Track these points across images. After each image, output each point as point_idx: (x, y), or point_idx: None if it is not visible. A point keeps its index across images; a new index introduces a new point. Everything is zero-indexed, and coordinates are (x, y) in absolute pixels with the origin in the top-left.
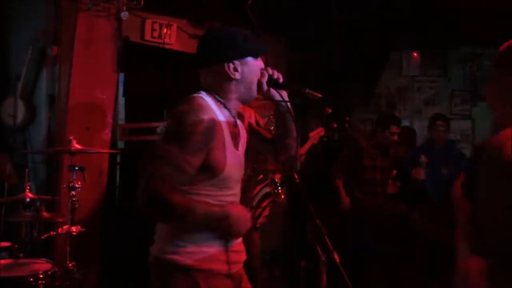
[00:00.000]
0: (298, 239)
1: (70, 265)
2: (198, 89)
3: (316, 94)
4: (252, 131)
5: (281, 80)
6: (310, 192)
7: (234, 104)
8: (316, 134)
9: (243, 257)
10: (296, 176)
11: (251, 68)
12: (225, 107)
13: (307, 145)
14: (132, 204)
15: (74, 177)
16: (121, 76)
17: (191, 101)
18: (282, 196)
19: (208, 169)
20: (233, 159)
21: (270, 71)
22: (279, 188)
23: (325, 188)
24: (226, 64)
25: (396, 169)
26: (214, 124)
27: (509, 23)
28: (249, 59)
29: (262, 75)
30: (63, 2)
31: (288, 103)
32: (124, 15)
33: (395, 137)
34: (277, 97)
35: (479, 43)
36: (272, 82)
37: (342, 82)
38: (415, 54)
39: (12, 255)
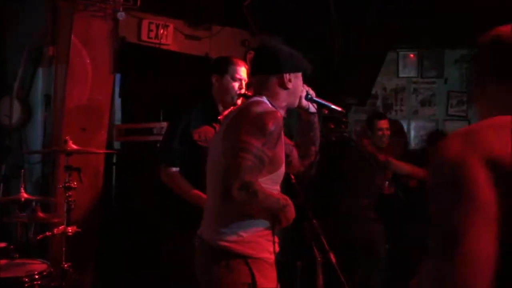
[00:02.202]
0: (295, 240)
1: (65, 265)
2: (195, 90)
3: (338, 108)
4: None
5: (314, 96)
6: (306, 193)
7: (282, 110)
8: None
9: (277, 248)
10: (293, 177)
11: (299, 82)
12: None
13: None
14: (128, 205)
15: (70, 177)
16: (118, 76)
17: (262, 103)
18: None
19: (273, 163)
20: (284, 158)
21: (307, 88)
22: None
23: (321, 189)
24: (285, 75)
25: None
26: (282, 123)
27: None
28: (299, 74)
29: (302, 91)
30: (59, 2)
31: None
32: (121, 15)
33: (387, 132)
34: (312, 110)
35: (476, 44)
36: (308, 97)
37: (339, 83)
38: (411, 55)
39: (7, 256)
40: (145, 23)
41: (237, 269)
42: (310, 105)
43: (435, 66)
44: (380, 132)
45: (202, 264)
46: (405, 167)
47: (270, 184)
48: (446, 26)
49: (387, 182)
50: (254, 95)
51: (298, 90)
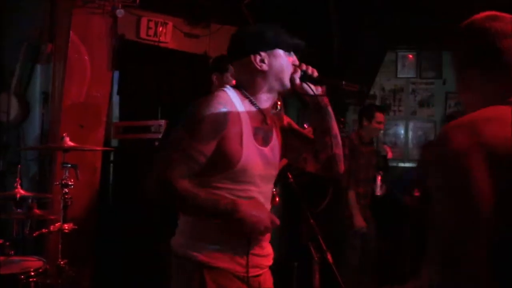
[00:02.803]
0: (292, 240)
1: (62, 262)
2: (193, 87)
3: (353, 85)
4: (291, 130)
5: (315, 75)
6: (303, 193)
7: (265, 97)
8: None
9: (266, 262)
10: (290, 176)
11: (281, 60)
12: (252, 102)
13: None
14: (125, 202)
15: (67, 174)
16: (116, 74)
17: (210, 95)
18: (277, 199)
19: (223, 160)
20: (253, 154)
21: (304, 67)
22: (274, 189)
23: (318, 189)
24: (252, 56)
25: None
26: (227, 114)
27: None
28: (279, 51)
29: (295, 71)
30: None
31: (325, 98)
32: (120, 12)
33: (382, 126)
34: (310, 92)
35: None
36: (306, 78)
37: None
38: (410, 56)
39: (3, 253)
40: (144, 21)
41: (188, 276)
42: (310, 87)
43: (434, 67)
44: (377, 125)
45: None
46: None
47: (231, 184)
48: (445, 27)
49: (379, 183)
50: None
51: (281, 69)
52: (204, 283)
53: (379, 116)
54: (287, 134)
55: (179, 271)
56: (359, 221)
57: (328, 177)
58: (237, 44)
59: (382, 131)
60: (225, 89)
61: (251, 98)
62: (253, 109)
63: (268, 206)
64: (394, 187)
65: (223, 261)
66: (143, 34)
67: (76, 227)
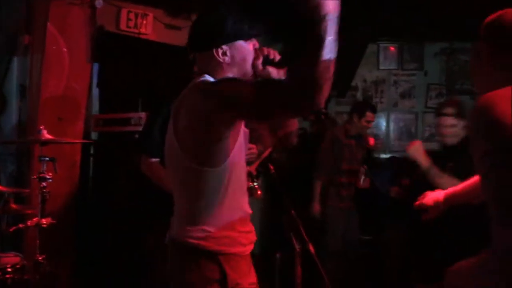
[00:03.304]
0: (274, 231)
1: (40, 258)
2: (174, 80)
3: None
4: None
5: (277, 58)
6: (285, 184)
7: None
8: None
9: (254, 237)
10: (272, 167)
11: (242, 51)
12: None
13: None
14: (105, 196)
15: (45, 168)
16: (96, 66)
17: (205, 81)
18: (259, 192)
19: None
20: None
21: (266, 51)
22: (256, 182)
23: (300, 180)
24: (215, 50)
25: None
26: None
27: (481, 19)
28: (239, 42)
29: (256, 57)
30: None
31: None
32: (99, 3)
33: (370, 125)
34: (274, 75)
35: (456, 38)
36: (268, 62)
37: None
38: (392, 48)
39: None
40: (124, 12)
41: (206, 267)
42: (271, 71)
43: (415, 59)
44: (366, 123)
45: (174, 265)
46: None
47: (236, 159)
48: (426, 19)
49: (362, 176)
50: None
51: (243, 60)
52: (223, 269)
53: (369, 115)
54: None
55: (191, 264)
56: (315, 208)
57: (283, 147)
58: (197, 38)
59: (367, 129)
60: (204, 76)
61: None
62: None
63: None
64: (376, 179)
65: (234, 246)
66: (123, 26)
67: (54, 221)
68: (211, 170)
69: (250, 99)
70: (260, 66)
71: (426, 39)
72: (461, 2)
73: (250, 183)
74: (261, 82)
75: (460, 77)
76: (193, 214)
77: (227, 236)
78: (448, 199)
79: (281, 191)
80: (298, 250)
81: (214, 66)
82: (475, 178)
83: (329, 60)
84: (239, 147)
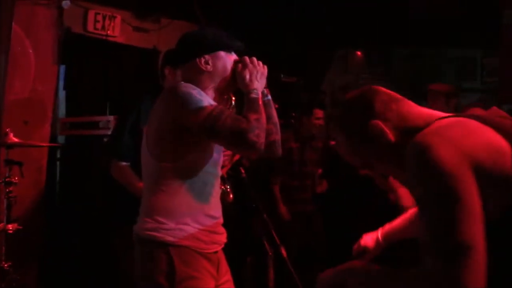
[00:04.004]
0: (244, 235)
1: (5, 265)
2: (142, 82)
3: (290, 78)
4: None
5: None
6: (257, 188)
7: (212, 95)
8: None
9: (223, 239)
10: (243, 171)
11: (223, 61)
12: None
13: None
14: (73, 201)
15: (11, 172)
16: (62, 68)
17: (179, 85)
18: (231, 196)
19: (210, 147)
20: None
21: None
22: (227, 186)
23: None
24: (198, 59)
25: (326, 164)
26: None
27: (451, 24)
28: (221, 53)
29: (238, 67)
30: None
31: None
32: (65, 4)
33: (321, 122)
34: None
35: (422, 42)
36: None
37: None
38: (358, 53)
39: None
40: (91, 14)
41: (156, 257)
42: None
43: (383, 63)
44: (316, 121)
45: (135, 258)
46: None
47: (212, 168)
48: (393, 24)
49: (318, 181)
50: None
51: (224, 69)
52: (171, 261)
53: (318, 112)
54: None
55: (144, 255)
56: (282, 212)
57: (268, 158)
58: (183, 50)
59: (319, 126)
60: (183, 83)
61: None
62: None
63: (218, 188)
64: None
65: (189, 240)
66: (90, 28)
67: (21, 227)
68: (169, 166)
69: (203, 125)
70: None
71: (393, 43)
72: (427, 8)
73: (222, 187)
74: (214, 116)
75: (426, 80)
76: (150, 206)
77: (179, 229)
78: (387, 237)
79: (252, 194)
80: (270, 254)
81: (197, 75)
82: (412, 212)
83: (256, 120)
84: (206, 152)
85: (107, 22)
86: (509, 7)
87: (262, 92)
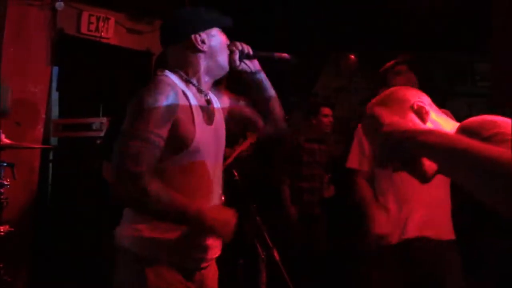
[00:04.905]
0: (237, 237)
1: None
2: (135, 84)
3: (283, 54)
4: (234, 104)
5: (251, 52)
6: (249, 190)
7: (204, 79)
8: (245, 146)
9: (210, 254)
10: (236, 174)
11: (218, 40)
12: (193, 84)
13: (246, 143)
14: (65, 203)
15: (3, 174)
16: (55, 69)
17: (152, 81)
18: (222, 198)
19: (177, 140)
20: (204, 132)
21: (240, 46)
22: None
23: (261, 186)
24: (193, 36)
25: (333, 169)
26: (176, 96)
27: (443, 28)
28: (215, 31)
29: (231, 51)
30: None
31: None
32: (59, 5)
33: (330, 119)
34: (251, 68)
35: (416, 47)
36: (243, 56)
37: (280, 80)
38: (352, 56)
39: None
40: (85, 15)
41: (130, 268)
42: (247, 64)
43: (375, 67)
44: (324, 118)
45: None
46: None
47: (187, 164)
48: (386, 28)
49: (326, 186)
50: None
51: (219, 50)
52: (143, 275)
53: (325, 110)
54: (231, 109)
55: (121, 263)
56: (291, 213)
57: (276, 136)
58: (174, 27)
59: (331, 124)
60: (165, 73)
61: (192, 80)
62: (194, 90)
63: (219, 186)
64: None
65: (166, 254)
66: (84, 29)
67: (12, 229)
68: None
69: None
70: (237, 61)
71: (387, 47)
72: (421, 12)
73: None
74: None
75: (419, 85)
76: (129, 215)
77: (156, 240)
78: None
79: (245, 197)
80: (263, 256)
81: (189, 57)
82: None
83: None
84: (189, 157)
85: (100, 23)
86: (499, 12)
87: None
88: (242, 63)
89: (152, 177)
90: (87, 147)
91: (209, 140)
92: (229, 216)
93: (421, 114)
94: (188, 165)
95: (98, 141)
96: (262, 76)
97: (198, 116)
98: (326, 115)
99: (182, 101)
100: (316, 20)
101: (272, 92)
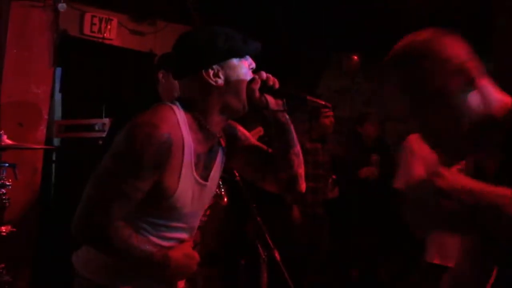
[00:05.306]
0: (239, 238)
1: None
2: (138, 86)
3: (317, 100)
4: (249, 147)
5: (277, 86)
6: (251, 191)
7: (218, 120)
8: (255, 133)
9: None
10: (237, 174)
11: (237, 70)
12: (202, 125)
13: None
14: (68, 203)
15: (4, 174)
16: (58, 70)
17: (153, 111)
18: (225, 199)
19: (155, 193)
20: (187, 189)
21: (264, 76)
22: (222, 189)
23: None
24: (204, 71)
25: (336, 170)
26: (172, 141)
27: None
28: (234, 60)
29: (252, 80)
30: None
31: (285, 113)
32: (62, 6)
33: (331, 119)
34: (272, 105)
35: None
36: (265, 89)
37: (282, 82)
38: (355, 57)
39: None
40: (87, 16)
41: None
42: (269, 100)
43: (378, 67)
44: (325, 118)
45: None
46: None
47: (156, 218)
48: (388, 28)
49: (330, 187)
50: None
51: (239, 81)
52: None
53: (326, 111)
54: (243, 152)
55: (74, 281)
56: (294, 214)
57: (289, 196)
58: (183, 59)
59: (332, 124)
60: (172, 105)
61: (202, 120)
62: (201, 133)
63: (194, 229)
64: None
65: (121, 282)
66: (86, 30)
67: (14, 229)
68: None
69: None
70: (257, 92)
71: (389, 48)
72: (424, 13)
73: (216, 190)
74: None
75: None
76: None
77: (111, 267)
78: None
79: (246, 197)
80: (263, 257)
81: (202, 92)
82: None
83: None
84: (164, 211)
85: (103, 25)
86: (501, 13)
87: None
88: (263, 97)
89: (119, 222)
90: (90, 148)
91: (189, 197)
92: (192, 260)
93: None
94: (159, 219)
95: (100, 142)
96: (285, 120)
97: (188, 168)
98: (327, 116)
99: (176, 149)
100: (318, 20)
101: (293, 143)
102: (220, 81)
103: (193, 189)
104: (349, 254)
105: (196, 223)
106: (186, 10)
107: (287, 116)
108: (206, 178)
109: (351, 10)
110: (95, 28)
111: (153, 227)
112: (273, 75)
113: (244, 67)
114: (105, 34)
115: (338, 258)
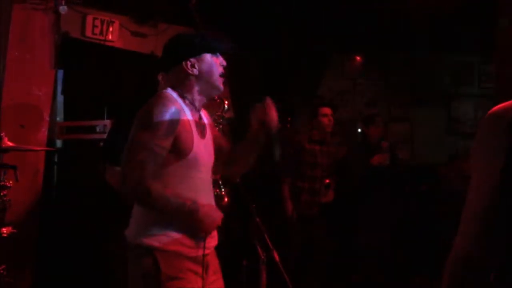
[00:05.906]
0: (240, 239)
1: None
2: (139, 87)
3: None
4: (217, 137)
5: (273, 129)
6: (251, 192)
7: (198, 98)
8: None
9: (211, 242)
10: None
11: (209, 64)
12: (190, 101)
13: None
14: (70, 205)
15: (5, 175)
16: (60, 72)
17: (158, 95)
18: (226, 199)
19: (178, 151)
20: (199, 144)
21: (270, 114)
22: (222, 190)
23: (266, 189)
24: (184, 62)
25: (335, 172)
26: (179, 112)
27: (448, 29)
28: (207, 56)
29: (266, 112)
30: None
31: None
32: (63, 9)
33: (330, 118)
34: (264, 129)
35: (420, 48)
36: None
37: (284, 83)
38: (357, 57)
39: None
40: (89, 19)
41: (143, 261)
42: (264, 124)
43: (380, 69)
44: (322, 117)
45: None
46: None
47: (185, 170)
48: (391, 30)
49: (324, 191)
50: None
51: (210, 72)
52: (157, 264)
53: (323, 109)
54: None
55: (134, 260)
56: (288, 209)
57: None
58: (169, 54)
59: (331, 123)
60: (167, 90)
61: (187, 98)
62: (190, 107)
63: (210, 192)
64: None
65: (173, 245)
66: (88, 32)
67: (15, 231)
68: None
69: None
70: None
71: (391, 49)
72: (427, 13)
73: (217, 191)
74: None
75: (423, 86)
76: (138, 213)
77: (165, 234)
78: None
79: (246, 199)
80: (263, 258)
81: (182, 79)
82: None
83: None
84: (188, 157)
85: (105, 27)
86: (505, 13)
87: (221, 105)
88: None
89: (154, 180)
90: (91, 149)
91: (203, 151)
92: (217, 215)
93: None
94: (186, 171)
95: (100, 143)
96: (259, 141)
97: (195, 130)
98: (325, 115)
99: (182, 116)
100: (319, 21)
101: (252, 158)
102: (196, 71)
103: (203, 146)
104: (349, 254)
105: (209, 174)
106: (187, 12)
107: (261, 139)
108: (203, 136)
109: (353, 10)
110: (97, 30)
111: (180, 179)
112: (273, 76)
113: (214, 62)
114: (106, 36)
115: (338, 259)
